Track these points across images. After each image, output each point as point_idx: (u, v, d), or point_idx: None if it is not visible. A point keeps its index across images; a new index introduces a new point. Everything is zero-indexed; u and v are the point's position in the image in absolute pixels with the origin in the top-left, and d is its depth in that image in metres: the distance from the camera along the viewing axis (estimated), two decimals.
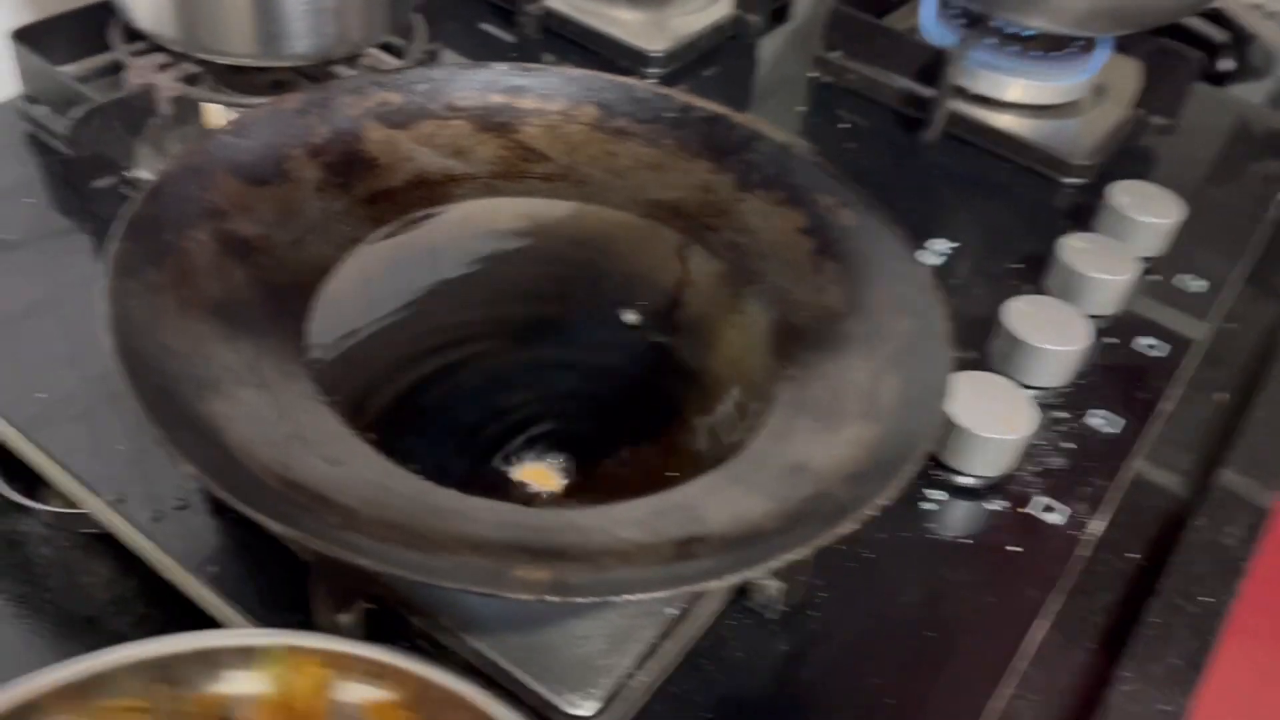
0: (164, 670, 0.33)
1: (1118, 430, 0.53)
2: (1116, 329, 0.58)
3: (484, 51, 0.74)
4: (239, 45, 0.56)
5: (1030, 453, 0.51)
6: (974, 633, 0.43)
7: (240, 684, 0.34)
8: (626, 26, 0.75)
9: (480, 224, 0.48)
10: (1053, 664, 0.46)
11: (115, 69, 0.61)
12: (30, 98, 0.60)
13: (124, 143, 0.57)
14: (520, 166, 0.49)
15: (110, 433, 0.45)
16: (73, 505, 0.45)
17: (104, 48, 0.61)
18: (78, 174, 0.56)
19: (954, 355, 0.39)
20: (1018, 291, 0.56)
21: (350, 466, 0.36)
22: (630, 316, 0.46)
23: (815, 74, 0.76)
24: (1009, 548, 0.47)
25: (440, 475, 0.37)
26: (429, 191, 0.48)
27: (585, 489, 0.39)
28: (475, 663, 0.38)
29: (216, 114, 0.58)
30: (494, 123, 0.49)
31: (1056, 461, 0.51)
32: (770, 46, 0.80)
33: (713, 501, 0.36)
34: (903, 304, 0.42)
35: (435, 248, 0.47)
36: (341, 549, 0.30)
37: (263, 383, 0.38)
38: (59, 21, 0.61)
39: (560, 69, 0.50)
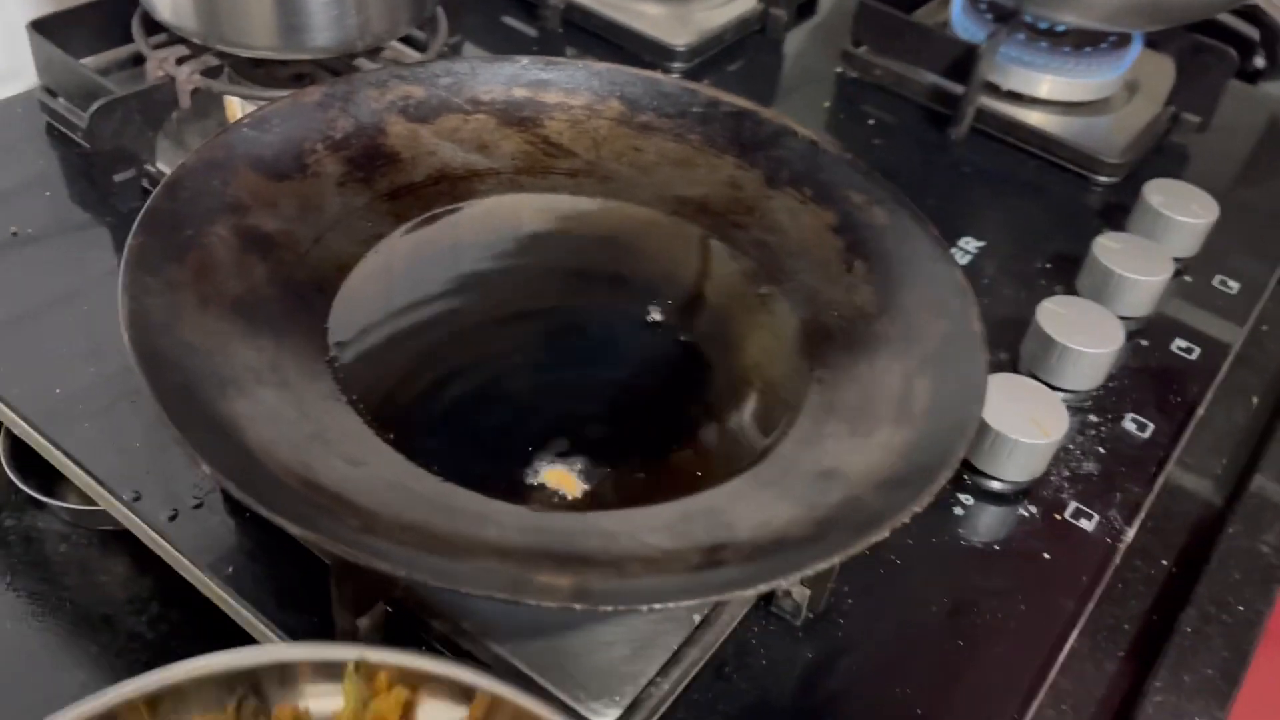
0: (239, 683, 0.32)
1: (1151, 435, 0.52)
2: (1149, 331, 0.57)
3: (506, 45, 0.73)
4: (260, 38, 0.56)
5: (1062, 457, 0.50)
6: (1006, 643, 0.42)
7: (318, 699, 0.33)
8: (650, 20, 0.74)
9: (503, 221, 0.47)
10: (1082, 673, 0.45)
11: (136, 61, 0.61)
12: (50, 89, 0.60)
13: (144, 135, 0.56)
14: (544, 162, 0.48)
15: (128, 429, 0.44)
16: (90, 502, 0.45)
17: (124, 40, 0.61)
18: (97, 167, 0.56)
19: (988, 358, 0.38)
20: (1047, 292, 0.55)
21: (371, 467, 0.35)
22: (656, 315, 0.45)
23: (842, 69, 0.75)
24: (1041, 555, 0.46)
25: (461, 476, 0.36)
26: (451, 187, 0.47)
27: (609, 492, 0.38)
28: (495, 668, 0.37)
29: (237, 107, 0.57)
30: (517, 117, 0.49)
31: (1089, 466, 0.50)
32: (796, 41, 0.79)
33: (741, 507, 0.35)
34: (936, 305, 0.41)
35: (457, 244, 0.46)
36: (361, 553, 0.30)
37: (284, 381, 0.37)
38: (78, 13, 0.61)
39: (585, 63, 0.49)
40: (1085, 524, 0.47)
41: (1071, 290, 0.58)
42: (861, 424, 0.38)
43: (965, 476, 0.48)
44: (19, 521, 0.49)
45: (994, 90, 0.70)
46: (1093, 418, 0.52)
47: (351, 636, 0.37)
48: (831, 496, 0.35)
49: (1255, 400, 0.59)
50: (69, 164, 0.58)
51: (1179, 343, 0.57)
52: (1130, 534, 0.48)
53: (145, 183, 0.56)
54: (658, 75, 0.50)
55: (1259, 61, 0.80)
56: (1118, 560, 0.47)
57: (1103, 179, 0.67)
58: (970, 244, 0.61)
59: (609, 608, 0.31)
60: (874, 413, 0.38)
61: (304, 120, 0.45)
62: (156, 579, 0.46)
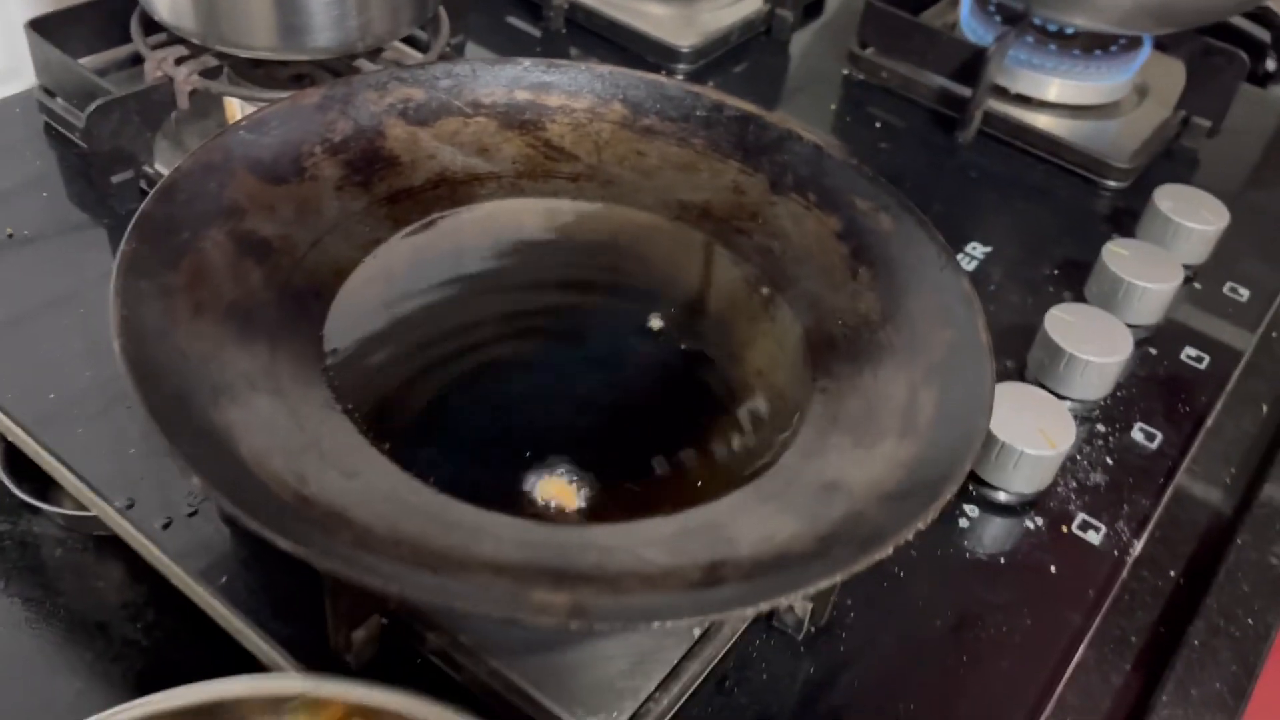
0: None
1: (1160, 446, 0.51)
2: (1158, 339, 0.56)
3: (509, 46, 0.72)
4: (260, 38, 0.55)
5: (1069, 468, 0.49)
6: (1011, 657, 0.42)
7: None
8: (655, 21, 0.73)
9: (504, 225, 0.47)
10: (1088, 686, 0.44)
11: (134, 61, 0.60)
12: (48, 89, 0.59)
13: (142, 136, 0.56)
14: (546, 166, 0.48)
15: (122, 435, 0.44)
16: (84, 508, 0.44)
17: (123, 40, 0.60)
18: (95, 167, 0.55)
19: (995, 368, 0.38)
20: (1055, 299, 0.55)
21: (366, 479, 0.35)
22: (657, 322, 0.45)
23: (848, 71, 0.74)
24: (1047, 567, 0.45)
25: (457, 487, 0.36)
26: (451, 191, 0.46)
27: (607, 505, 0.37)
28: (492, 683, 0.37)
29: (236, 108, 0.57)
30: (519, 120, 0.48)
31: (1096, 477, 0.49)
32: (802, 42, 0.78)
33: (741, 521, 0.35)
34: (942, 313, 0.40)
35: (458, 249, 0.46)
36: (354, 570, 0.29)
37: (278, 389, 0.36)
38: (77, 12, 0.60)
39: (587, 65, 0.49)
40: (1092, 536, 0.47)
41: (1080, 297, 0.57)
42: (865, 435, 0.37)
43: (970, 488, 0.48)
44: (13, 526, 0.48)
45: (1002, 93, 0.70)
46: (1100, 428, 0.51)
47: (345, 650, 0.36)
48: (834, 510, 0.34)
49: (1265, 409, 0.58)
50: (67, 164, 0.57)
51: (1189, 351, 0.56)
52: (1138, 547, 0.47)
53: (143, 184, 0.56)
54: (661, 78, 0.49)
55: (1270, 65, 0.80)
56: (1125, 574, 0.46)
57: (1112, 184, 0.66)
58: (977, 249, 0.60)
59: (605, 626, 0.31)
60: (878, 424, 0.38)
61: (302, 123, 0.44)
62: (151, 586, 0.45)
